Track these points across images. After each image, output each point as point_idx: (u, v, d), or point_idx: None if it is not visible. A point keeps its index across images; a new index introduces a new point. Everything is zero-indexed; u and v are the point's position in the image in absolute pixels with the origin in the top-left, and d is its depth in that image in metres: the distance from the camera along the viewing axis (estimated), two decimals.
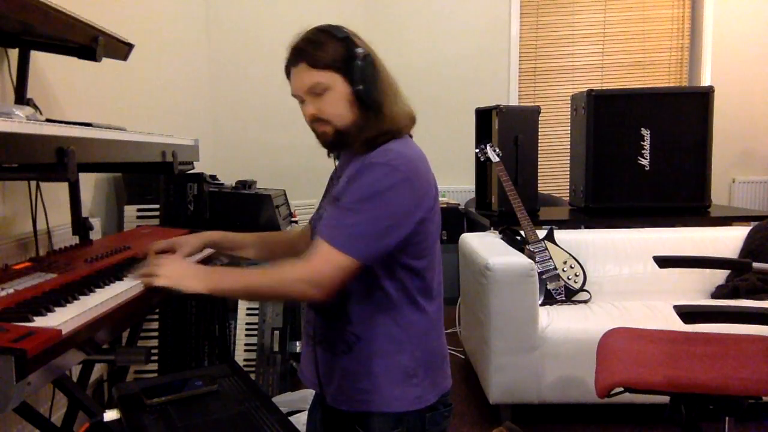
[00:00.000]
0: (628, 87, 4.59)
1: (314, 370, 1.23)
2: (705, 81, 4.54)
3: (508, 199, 2.83)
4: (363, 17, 4.36)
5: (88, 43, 1.62)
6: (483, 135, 3.25)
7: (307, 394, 2.30)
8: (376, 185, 1.08)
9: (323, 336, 1.21)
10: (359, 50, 1.12)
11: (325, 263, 1.08)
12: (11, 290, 1.03)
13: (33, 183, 1.72)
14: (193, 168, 2.31)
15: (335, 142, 1.18)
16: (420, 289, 1.18)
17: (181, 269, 1.16)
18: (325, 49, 1.12)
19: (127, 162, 1.59)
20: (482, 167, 3.30)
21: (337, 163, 1.31)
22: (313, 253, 1.10)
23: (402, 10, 4.51)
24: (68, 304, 0.98)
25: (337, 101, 1.13)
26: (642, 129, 3.15)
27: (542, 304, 2.61)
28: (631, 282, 2.87)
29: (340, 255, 1.07)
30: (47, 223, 1.76)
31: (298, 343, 2.57)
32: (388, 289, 1.15)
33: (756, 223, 2.97)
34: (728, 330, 1.90)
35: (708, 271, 2.84)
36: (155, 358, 2.26)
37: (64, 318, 0.91)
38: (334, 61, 1.12)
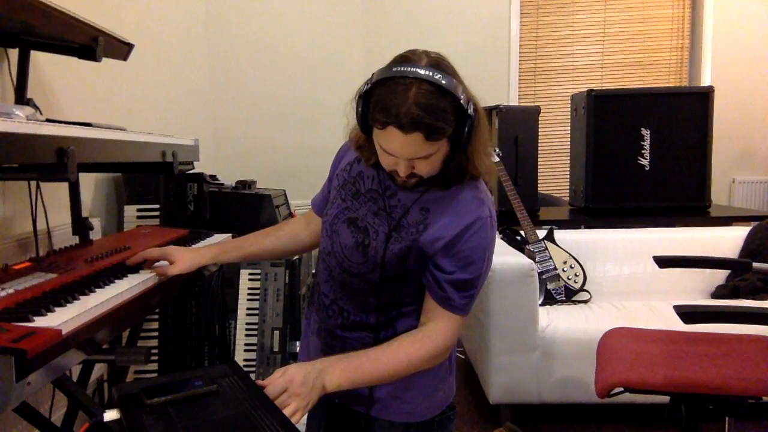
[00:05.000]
0: (628, 87, 4.59)
1: None
2: (705, 81, 4.54)
3: (508, 199, 2.83)
4: (362, 17, 4.36)
5: (88, 43, 1.62)
6: None
7: None
8: (488, 242, 1.12)
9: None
10: (471, 113, 1.02)
11: (457, 330, 1.14)
12: (11, 290, 1.03)
13: (33, 183, 1.72)
14: (193, 168, 2.31)
15: (414, 186, 1.12)
16: None
17: (311, 390, 1.01)
18: (446, 120, 0.99)
19: (127, 162, 1.59)
20: None
21: (354, 160, 1.24)
22: (445, 322, 1.12)
23: (401, 9, 4.51)
24: (68, 304, 0.98)
25: (437, 162, 1.06)
26: (642, 129, 3.15)
27: (542, 304, 2.61)
28: (631, 282, 2.88)
29: (463, 318, 1.14)
30: (47, 223, 1.76)
31: (297, 343, 2.56)
32: None
33: (756, 223, 2.97)
34: (728, 330, 1.90)
35: (708, 271, 2.84)
36: (155, 358, 2.25)
37: (64, 318, 0.91)
38: (449, 129, 1.01)
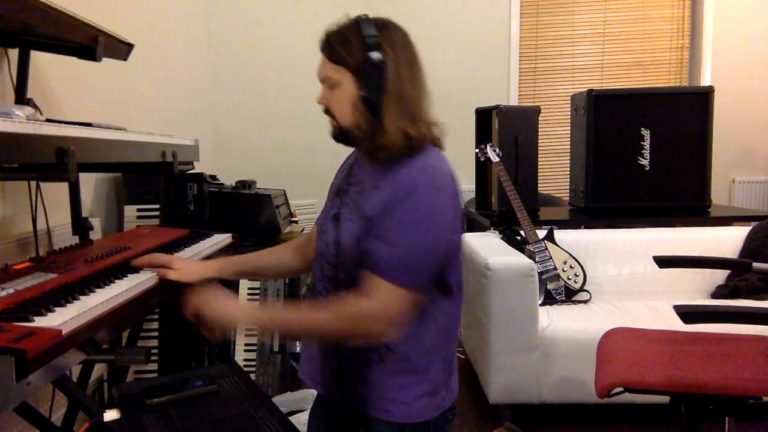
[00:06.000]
0: (628, 87, 4.59)
1: (334, 377, 1.19)
2: (705, 81, 4.54)
3: (508, 199, 2.83)
4: None
5: (88, 43, 1.62)
6: (483, 135, 3.25)
7: (308, 394, 2.29)
8: (426, 209, 1.06)
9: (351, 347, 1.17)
10: (375, 55, 1.10)
11: (393, 298, 1.06)
12: (11, 290, 1.03)
13: (33, 183, 1.72)
14: (193, 168, 2.31)
15: (338, 136, 1.18)
16: (448, 296, 1.17)
17: (232, 305, 1.11)
18: (346, 46, 1.11)
19: (127, 162, 1.59)
20: (482, 167, 3.30)
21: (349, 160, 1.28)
22: (373, 290, 1.06)
23: (401, 10, 4.51)
24: (68, 304, 0.98)
25: (342, 99, 1.13)
26: (642, 129, 3.14)
27: (542, 304, 2.61)
28: (631, 282, 2.87)
29: (405, 291, 1.05)
30: (47, 223, 1.76)
31: (297, 343, 2.56)
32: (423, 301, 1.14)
33: (756, 223, 2.97)
34: (728, 330, 1.90)
35: (708, 271, 2.83)
36: (155, 358, 2.26)
37: (64, 318, 0.91)
38: (348, 59, 1.11)
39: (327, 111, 1.17)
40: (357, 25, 1.12)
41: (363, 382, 1.17)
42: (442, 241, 1.09)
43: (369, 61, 1.10)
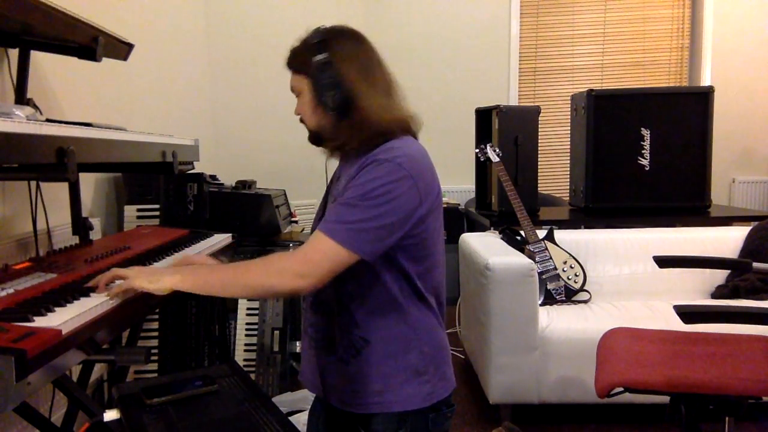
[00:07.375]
0: (628, 87, 4.59)
1: (318, 374, 1.22)
2: (705, 81, 4.54)
3: (508, 199, 2.83)
4: (363, 17, 4.36)
5: (88, 43, 1.62)
6: (483, 135, 3.25)
7: (308, 394, 2.30)
8: (379, 182, 1.07)
9: (329, 340, 1.20)
10: (318, 57, 1.15)
11: (317, 252, 1.07)
12: (11, 290, 1.03)
13: (33, 183, 1.72)
14: (193, 168, 2.31)
15: (311, 139, 1.25)
16: (423, 288, 1.18)
17: (148, 269, 1.17)
18: (300, 55, 1.20)
19: (127, 162, 1.59)
20: (482, 167, 3.30)
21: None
22: (306, 244, 1.09)
23: (401, 10, 4.51)
24: (68, 304, 0.98)
25: (305, 104, 1.21)
26: (642, 129, 3.14)
27: (542, 304, 2.61)
28: (631, 282, 2.87)
29: (337, 247, 1.06)
30: (47, 223, 1.76)
31: (298, 343, 2.56)
32: (391, 290, 1.15)
33: (756, 223, 2.97)
34: (728, 330, 1.90)
35: (708, 271, 2.83)
36: (155, 358, 2.26)
37: (64, 318, 0.91)
38: (302, 66, 1.19)
39: (301, 120, 1.24)
40: (309, 34, 1.21)
41: (347, 379, 1.18)
42: (390, 215, 1.08)
43: (316, 64, 1.16)
